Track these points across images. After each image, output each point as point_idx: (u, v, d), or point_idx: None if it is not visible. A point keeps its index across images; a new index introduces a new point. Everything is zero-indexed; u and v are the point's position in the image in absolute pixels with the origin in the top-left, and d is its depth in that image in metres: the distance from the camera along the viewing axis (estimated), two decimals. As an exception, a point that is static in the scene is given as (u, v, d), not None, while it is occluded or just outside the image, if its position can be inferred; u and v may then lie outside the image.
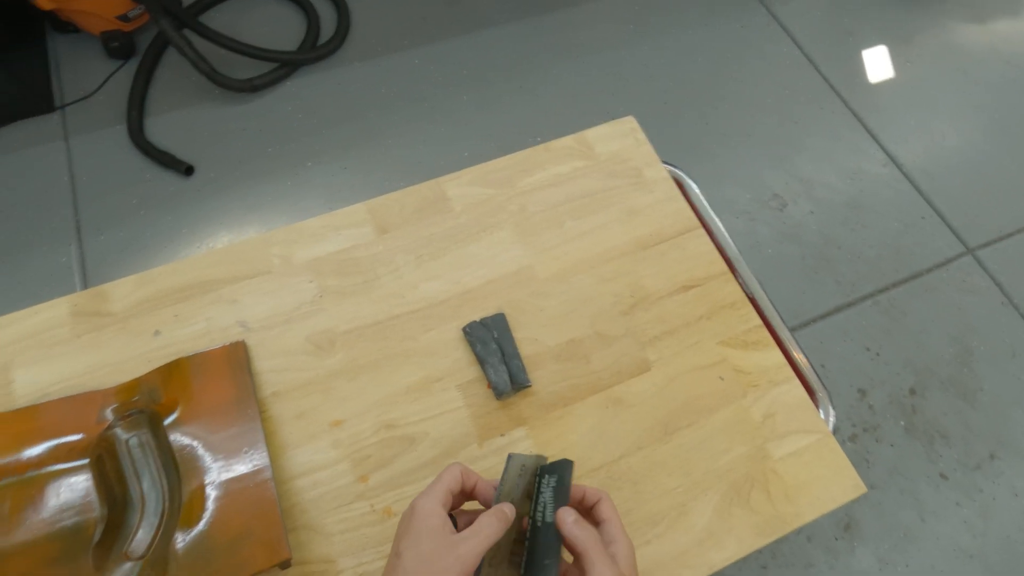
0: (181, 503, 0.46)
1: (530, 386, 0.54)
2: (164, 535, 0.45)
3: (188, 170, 1.57)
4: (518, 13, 1.91)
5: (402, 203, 0.62)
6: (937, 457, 1.38)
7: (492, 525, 0.37)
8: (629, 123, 0.68)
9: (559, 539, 0.39)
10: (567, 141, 0.67)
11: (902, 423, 1.42)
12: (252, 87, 1.68)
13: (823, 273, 1.56)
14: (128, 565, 0.44)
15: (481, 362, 0.54)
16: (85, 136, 1.62)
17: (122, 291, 0.56)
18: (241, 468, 0.47)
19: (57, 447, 0.47)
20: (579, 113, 1.74)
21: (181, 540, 0.44)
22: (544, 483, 0.41)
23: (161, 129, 1.63)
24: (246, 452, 0.48)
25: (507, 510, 0.39)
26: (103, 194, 1.54)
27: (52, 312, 0.55)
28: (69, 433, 0.48)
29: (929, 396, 1.44)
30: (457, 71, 1.80)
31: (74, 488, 0.45)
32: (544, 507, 0.40)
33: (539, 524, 0.40)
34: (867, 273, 1.56)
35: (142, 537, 0.45)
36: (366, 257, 0.59)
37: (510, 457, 0.42)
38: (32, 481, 0.45)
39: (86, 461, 0.47)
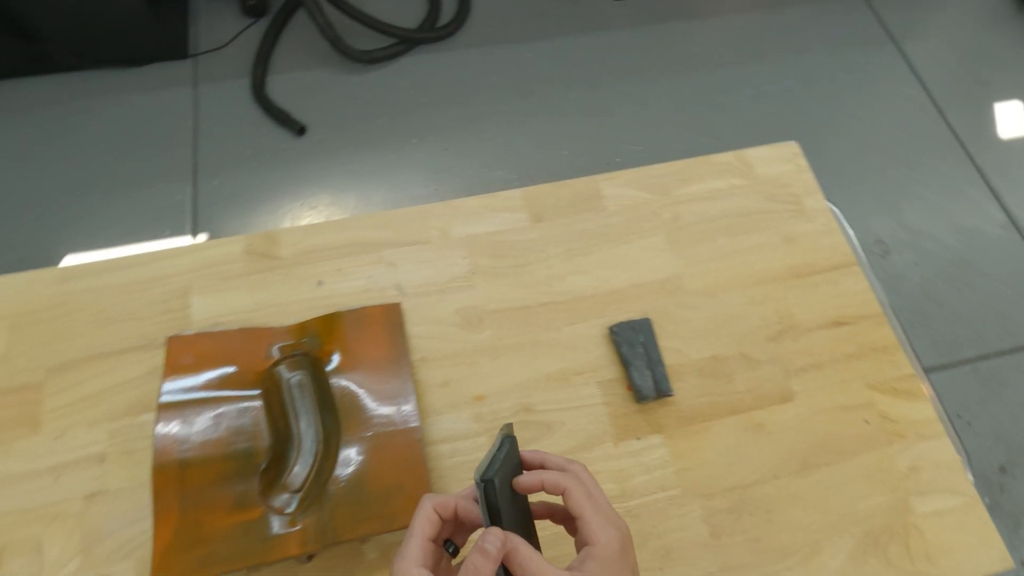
0: (338, 446, 0.48)
1: (672, 395, 0.54)
2: (319, 474, 0.47)
3: (301, 130, 1.63)
4: (637, 20, 1.89)
5: (557, 195, 0.63)
6: (1020, 543, 1.29)
7: (482, 566, 0.33)
8: (792, 148, 0.67)
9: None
10: (727, 157, 0.66)
11: (987, 500, 1.35)
12: (371, 59, 1.73)
13: (920, 329, 1.49)
14: (286, 496, 0.46)
15: (626, 363, 0.54)
16: (212, 85, 1.70)
17: (291, 239, 0.59)
18: (395, 423, 0.49)
19: (232, 374, 0.50)
20: (684, 129, 1.72)
21: (337, 482, 0.46)
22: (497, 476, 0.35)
23: (281, 88, 1.70)
24: (400, 409, 0.50)
25: (495, 541, 0.34)
26: (221, 142, 1.63)
27: (228, 248, 0.58)
28: (242, 363, 0.51)
29: (1020, 476, 1.36)
30: (568, 70, 1.80)
31: (246, 415, 0.48)
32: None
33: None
34: (968, 337, 1.48)
35: (298, 472, 0.48)
36: (519, 242, 0.60)
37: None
38: (212, 401, 0.48)
39: (258, 392, 0.49)
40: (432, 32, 1.78)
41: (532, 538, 0.38)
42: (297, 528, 0.44)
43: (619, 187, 0.64)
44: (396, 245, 0.60)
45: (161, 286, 0.56)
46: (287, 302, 0.56)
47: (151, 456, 0.49)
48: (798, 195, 0.64)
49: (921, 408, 0.55)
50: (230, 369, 0.50)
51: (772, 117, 1.75)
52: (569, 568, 0.34)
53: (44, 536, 0.47)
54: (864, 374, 0.56)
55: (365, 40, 1.72)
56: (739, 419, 0.54)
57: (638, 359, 0.54)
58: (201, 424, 0.47)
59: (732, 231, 0.62)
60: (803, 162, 0.66)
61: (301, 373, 0.52)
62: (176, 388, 0.49)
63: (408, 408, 0.50)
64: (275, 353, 0.52)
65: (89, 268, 0.57)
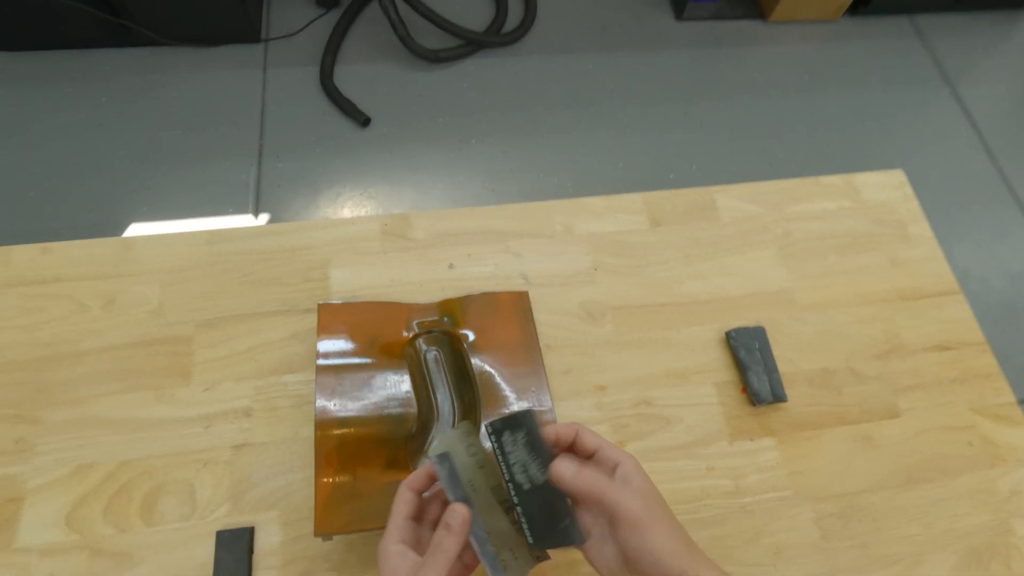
0: (478, 421, 0.50)
1: (786, 401, 0.56)
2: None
3: (365, 121, 1.67)
4: (697, 42, 1.93)
5: (674, 202, 0.66)
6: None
7: (445, 540, 0.35)
8: (898, 176, 0.69)
9: (562, 496, 0.36)
10: (835, 180, 0.69)
11: None
12: (437, 58, 1.77)
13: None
14: None
15: (743, 367, 0.56)
16: (281, 70, 1.75)
17: (424, 223, 0.62)
18: (528, 405, 0.52)
19: (380, 343, 0.53)
20: (739, 151, 1.74)
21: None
22: (509, 442, 0.37)
23: (348, 79, 1.74)
24: (532, 392, 0.53)
25: (456, 516, 0.35)
26: (287, 126, 1.67)
27: (366, 226, 0.61)
28: (385, 334, 0.54)
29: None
30: (626, 85, 1.84)
31: (396, 383, 0.51)
32: (525, 468, 0.36)
33: (527, 487, 0.36)
34: (1012, 380, 1.49)
35: (442, 425, 0.50)
36: (639, 244, 0.63)
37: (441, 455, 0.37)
38: (365, 367, 0.51)
39: (403, 362, 0.52)
40: (498, 37, 1.82)
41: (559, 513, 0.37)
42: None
43: (732, 200, 0.66)
44: (522, 236, 0.62)
45: (303, 256, 0.59)
46: (419, 281, 0.59)
47: (294, 415, 0.52)
48: (903, 221, 0.67)
49: (1022, 435, 0.57)
50: (377, 338, 0.53)
51: (825, 148, 1.77)
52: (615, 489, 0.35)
53: (196, 480, 0.50)
54: (967, 398, 0.58)
55: (432, 39, 1.76)
56: (848, 430, 0.56)
57: (755, 364, 0.56)
58: (357, 387, 0.50)
59: (841, 251, 0.65)
60: (909, 190, 0.69)
61: (437, 348, 0.54)
62: (332, 351, 0.51)
63: (540, 392, 0.53)
64: (414, 327, 0.55)
65: (236, 233, 0.60)
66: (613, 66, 1.87)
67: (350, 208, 1.57)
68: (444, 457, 0.37)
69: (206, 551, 0.47)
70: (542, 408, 0.52)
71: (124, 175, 1.56)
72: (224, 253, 0.59)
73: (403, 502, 0.38)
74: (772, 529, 0.52)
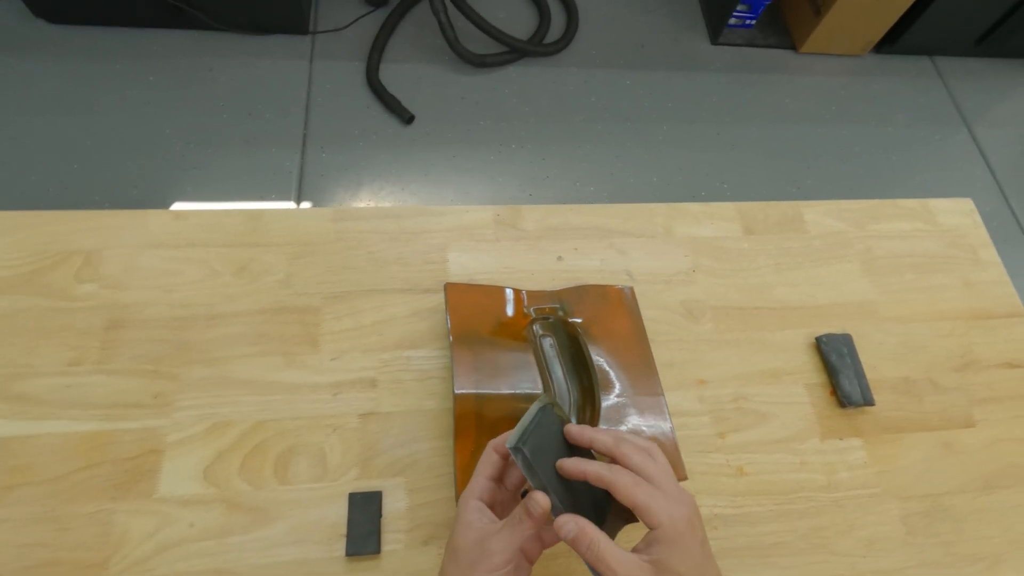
0: (597, 406, 0.53)
1: (874, 405, 0.60)
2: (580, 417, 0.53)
3: (409, 119, 1.70)
4: (732, 66, 1.99)
5: (766, 213, 0.69)
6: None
7: (524, 522, 0.36)
8: (967, 205, 0.74)
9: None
10: (912, 203, 0.73)
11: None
12: (483, 63, 1.81)
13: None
14: None
15: (834, 370, 0.60)
16: (328, 63, 1.78)
17: (534, 215, 0.65)
18: (642, 393, 0.55)
19: (503, 324, 0.56)
20: (769, 173, 1.80)
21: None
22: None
23: (393, 76, 1.77)
24: (645, 382, 0.56)
25: (536, 507, 0.36)
26: (332, 118, 1.69)
27: (480, 215, 0.64)
28: (506, 316, 0.56)
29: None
30: (662, 103, 1.89)
31: (524, 363, 0.54)
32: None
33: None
34: None
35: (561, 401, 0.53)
36: (734, 249, 0.67)
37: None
38: (494, 344, 0.54)
39: (528, 344, 0.55)
40: (541, 47, 1.87)
41: (600, 506, 0.39)
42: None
43: (819, 215, 0.70)
44: (626, 235, 0.66)
45: (424, 239, 0.62)
46: (531, 270, 0.62)
47: (417, 388, 0.55)
48: (974, 246, 0.71)
49: (1086, 451, 0.61)
50: (500, 319, 0.56)
51: (851, 175, 1.84)
52: (635, 550, 0.35)
53: (326, 444, 0.52)
54: (1037, 413, 0.62)
55: (477, 44, 1.80)
56: (929, 436, 0.60)
57: (846, 368, 0.60)
58: (490, 362, 0.52)
59: (918, 269, 0.69)
60: (978, 218, 0.73)
61: (552, 334, 0.57)
62: (463, 329, 0.54)
63: (652, 382, 0.56)
64: (532, 312, 0.58)
65: (361, 212, 0.62)
66: (649, 84, 1.92)
67: (392, 202, 1.60)
68: (518, 449, 0.37)
69: (338, 511, 0.49)
70: (659, 398, 0.55)
71: (169, 154, 1.57)
72: (349, 231, 0.61)
73: (488, 463, 0.40)
74: (862, 523, 0.55)
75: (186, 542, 0.47)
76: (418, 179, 1.65)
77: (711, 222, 0.68)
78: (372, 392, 0.54)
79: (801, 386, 0.60)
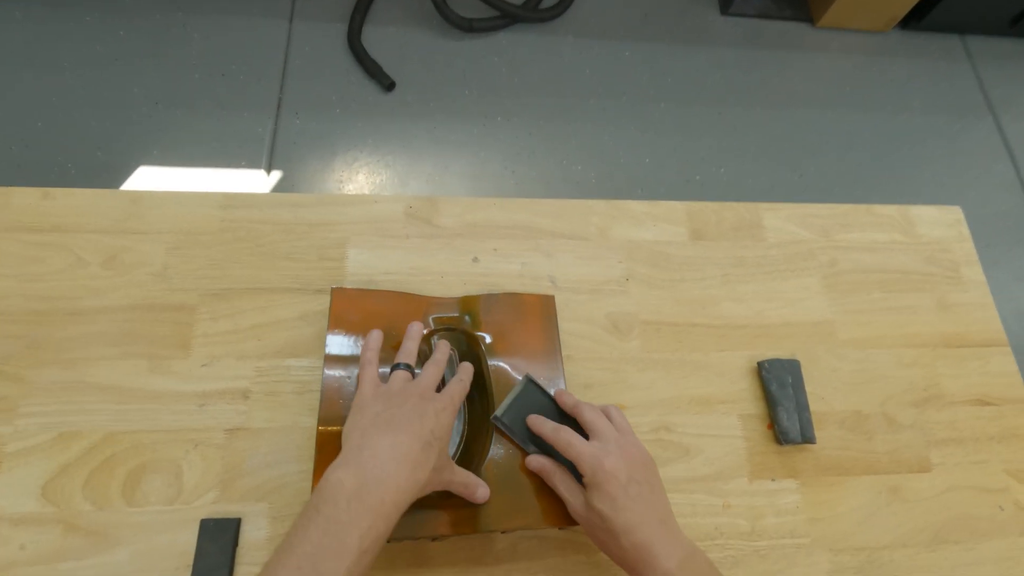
0: (490, 430, 0.47)
1: (814, 443, 0.53)
2: (466, 454, 0.47)
3: (390, 86, 1.61)
4: (741, 40, 1.86)
5: (720, 215, 0.62)
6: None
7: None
8: (955, 214, 0.65)
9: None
10: (890, 210, 0.64)
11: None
12: (471, 27, 1.70)
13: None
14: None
15: (773, 402, 0.53)
16: (308, 24, 1.68)
17: (453, 208, 0.58)
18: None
19: (394, 337, 0.49)
20: (769, 160, 1.69)
21: (492, 467, 0.46)
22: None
23: (375, 40, 1.67)
24: (550, 406, 0.49)
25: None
26: (308, 82, 1.61)
27: (389, 206, 0.57)
28: (401, 327, 0.50)
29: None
30: (662, 79, 1.78)
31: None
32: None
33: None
34: None
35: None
36: (677, 256, 0.59)
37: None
38: (382, 359, 0.48)
39: (420, 360, 0.49)
40: (535, 12, 1.75)
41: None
42: (446, 510, 0.43)
43: (780, 220, 0.62)
44: (554, 236, 0.59)
45: (321, 232, 0.55)
46: (442, 272, 0.55)
47: (295, 402, 0.49)
48: (956, 262, 0.63)
49: (1056, 504, 0.54)
50: (392, 331, 0.49)
51: (858, 166, 1.72)
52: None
53: (185, 461, 0.47)
54: (1004, 458, 0.55)
55: (466, 7, 1.69)
56: (875, 480, 0.53)
57: (787, 400, 0.53)
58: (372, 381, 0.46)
59: (887, 287, 0.61)
60: (965, 230, 0.65)
61: (452, 349, 0.51)
62: (342, 343, 0.48)
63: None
64: (430, 323, 0.51)
65: (252, 199, 0.56)
66: (650, 58, 1.80)
67: (365, 175, 1.53)
68: (496, 418, 0.47)
69: (188, 538, 0.44)
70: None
71: (137, 114, 1.51)
72: (238, 219, 0.55)
73: (374, 343, 0.47)
74: (786, 576, 0.49)
75: (14, 566, 0.43)
76: (395, 150, 1.58)
77: (654, 224, 0.60)
78: (243, 404, 0.49)
79: (735, 416, 0.54)
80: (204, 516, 0.45)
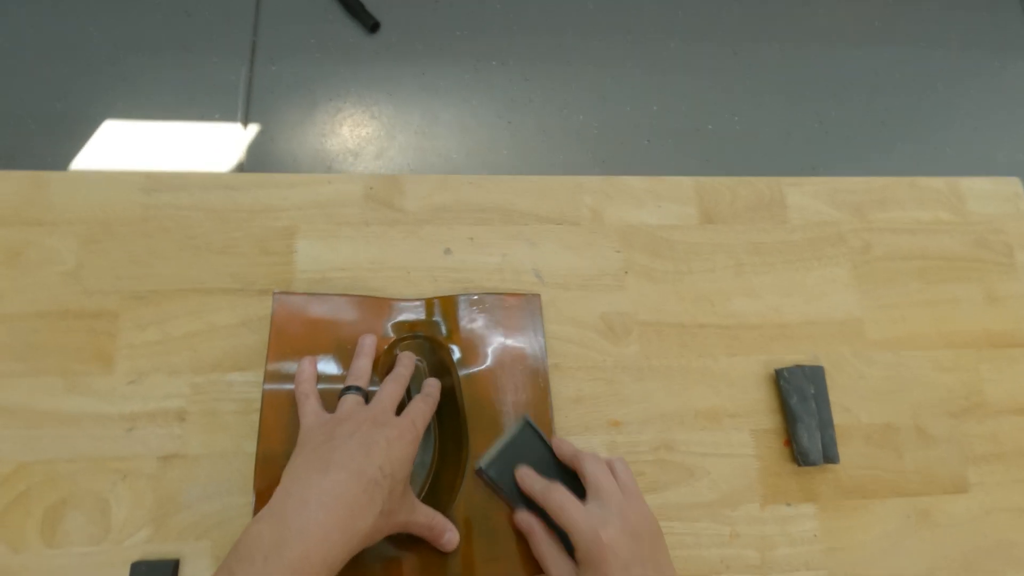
0: (464, 459, 0.41)
1: (837, 463, 0.46)
2: (434, 489, 0.40)
3: (374, 27, 1.47)
4: (760, -31, 1.67)
5: (735, 192, 0.53)
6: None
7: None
8: (1012, 186, 0.56)
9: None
10: (937, 183, 0.55)
11: None
12: (462, -42, 1.53)
13: None
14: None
15: (793, 417, 0.46)
16: (282, -46, 1.52)
17: (421, 189, 0.49)
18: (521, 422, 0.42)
19: (349, 352, 0.42)
20: (788, 106, 1.56)
21: (463, 506, 0.39)
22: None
23: (357, -27, 1.51)
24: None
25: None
26: (285, 25, 1.47)
27: (345, 187, 0.49)
28: (355, 339, 0.42)
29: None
30: (673, 13, 1.62)
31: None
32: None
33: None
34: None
35: (412, 478, 0.41)
36: (683, 243, 0.51)
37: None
38: (330, 379, 0.41)
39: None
40: (533, -61, 1.57)
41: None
42: (411, 556, 0.37)
43: (806, 197, 0.53)
44: (540, 221, 0.50)
45: (264, 220, 0.47)
46: (407, 267, 0.47)
47: (238, 423, 0.42)
48: (1010, 245, 0.54)
49: (1106, 527, 0.48)
50: (347, 344, 0.42)
51: (885, 110, 1.58)
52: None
53: (111, 495, 0.41)
54: (1051, 476, 0.49)
55: (458, -65, 1.52)
56: (903, 503, 0.47)
57: (810, 416, 0.46)
58: (327, 405, 0.39)
59: (928, 276, 0.52)
60: (1023, 205, 0.56)
61: (420, 361, 0.44)
62: (284, 371, 0.41)
63: (542, 424, 0.43)
64: (390, 332, 0.44)
65: (179, 180, 0.47)
66: (660, -12, 1.63)
67: (349, 127, 1.41)
68: (481, 471, 0.41)
69: (120, 583, 0.39)
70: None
71: (98, 61, 1.38)
72: (164, 206, 0.47)
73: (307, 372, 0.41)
74: (798, 614, 0.43)
75: (-84, 620, 0.37)
76: (381, 100, 1.45)
77: (657, 204, 0.51)
78: (178, 427, 0.42)
79: (747, 432, 0.47)
80: (136, 558, 0.40)
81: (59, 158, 1.30)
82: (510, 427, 0.42)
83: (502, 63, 1.52)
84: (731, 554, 0.44)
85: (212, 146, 1.35)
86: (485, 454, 0.41)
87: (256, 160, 1.34)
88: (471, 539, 0.38)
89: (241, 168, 1.33)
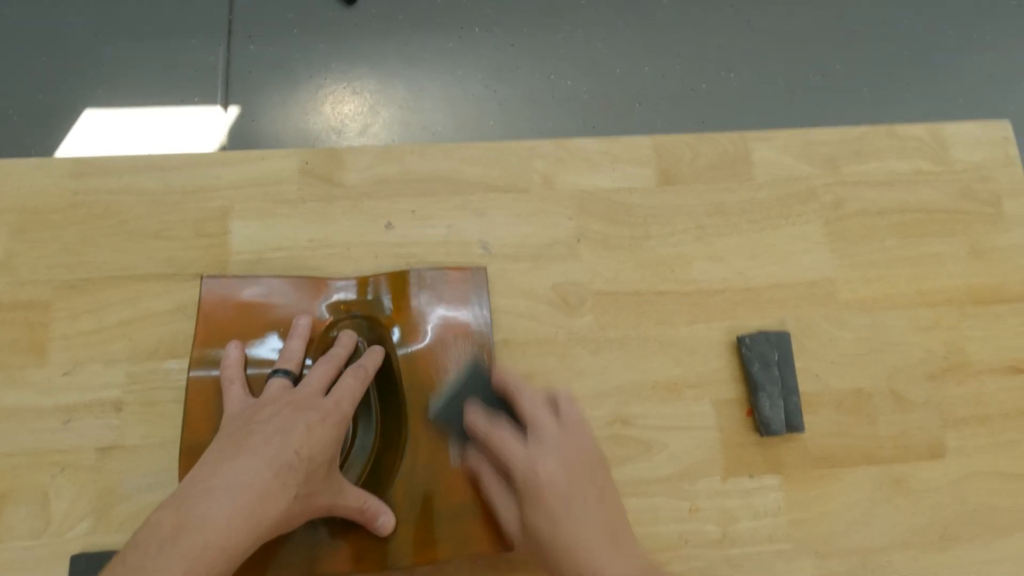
0: (403, 442, 0.39)
1: (802, 432, 0.44)
2: (375, 474, 0.39)
3: (351, -2, 1.42)
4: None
5: (695, 150, 0.49)
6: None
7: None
8: (1001, 130, 0.52)
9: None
10: (917, 131, 0.51)
11: None
12: (440, -81, 1.47)
13: None
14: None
15: (755, 386, 0.44)
16: (254, -74, 1.47)
17: (360, 162, 0.47)
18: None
19: (279, 334, 0.40)
20: (790, 59, 1.49)
21: (402, 489, 0.38)
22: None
23: (333, -58, 1.46)
24: (476, 406, 0.41)
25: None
26: (261, 1, 1.43)
27: (281, 163, 0.46)
28: (289, 321, 0.41)
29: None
30: (666, -34, 1.54)
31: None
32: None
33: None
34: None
35: (352, 461, 0.39)
36: (641, 207, 0.48)
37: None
38: (260, 364, 0.39)
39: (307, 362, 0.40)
40: None
41: None
42: (347, 542, 0.36)
43: (774, 152, 0.50)
44: (487, 189, 0.47)
45: (197, 201, 0.45)
46: (347, 243, 0.45)
47: (176, 412, 0.41)
48: (998, 194, 0.50)
49: (1096, 489, 0.45)
50: (280, 327, 0.40)
51: (893, 61, 1.50)
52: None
53: (51, 488, 0.40)
54: (1037, 438, 0.46)
55: None
56: (875, 470, 0.44)
57: (771, 383, 0.44)
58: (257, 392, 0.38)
59: (906, 231, 0.49)
60: (1014, 150, 0.51)
61: (360, 342, 0.42)
62: (213, 358, 0.39)
63: (487, 404, 0.41)
64: (326, 313, 0.42)
65: (109, 164, 0.45)
66: (652, -59, 1.55)
67: (331, 104, 1.38)
68: (429, 420, 0.39)
69: None
70: None
71: (78, 49, 1.36)
72: (94, 191, 0.45)
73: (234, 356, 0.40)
74: (761, 588, 0.42)
75: None
76: (364, 74, 1.42)
77: (613, 166, 0.49)
78: (115, 418, 0.41)
79: (707, 403, 0.45)
80: (77, 550, 0.39)
81: (43, 149, 1.29)
82: (458, 371, 0.40)
83: (486, 29, 1.47)
84: (691, 529, 0.42)
85: (193, 130, 1.33)
86: (434, 401, 0.39)
87: (238, 142, 1.33)
88: (410, 522, 0.37)
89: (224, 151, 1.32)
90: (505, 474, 0.36)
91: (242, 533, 0.29)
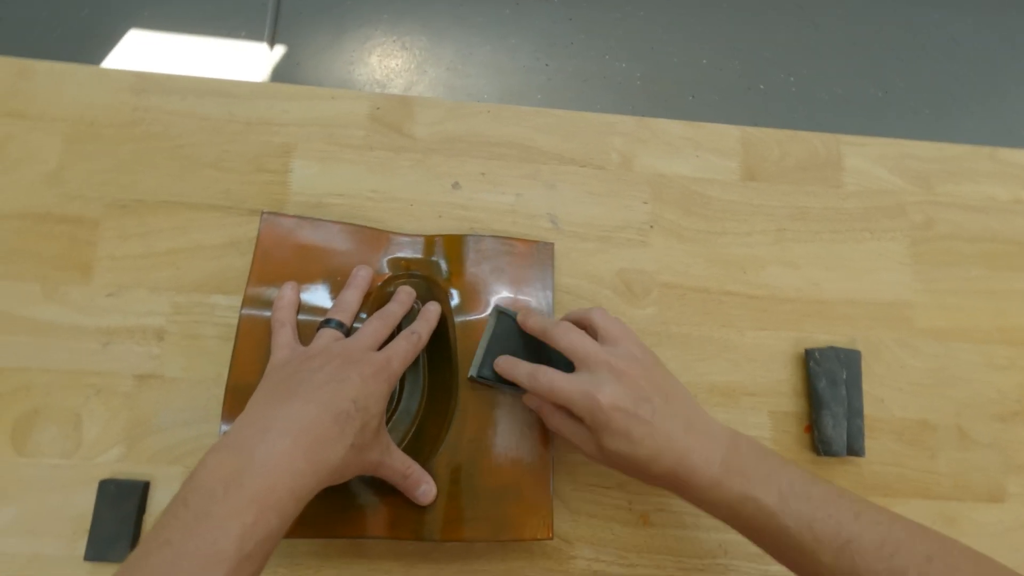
0: (450, 412, 0.38)
1: (862, 456, 0.42)
2: (417, 439, 0.38)
3: (412, -51, 1.37)
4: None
5: (784, 149, 0.47)
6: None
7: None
8: (1109, 168, 0.49)
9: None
10: (1018, 156, 0.48)
11: None
12: None
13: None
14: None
15: (818, 403, 0.42)
16: None
17: (432, 115, 0.45)
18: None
19: (340, 285, 0.39)
20: (850, 68, 1.43)
21: (445, 460, 0.36)
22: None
23: None
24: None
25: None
26: (319, -63, 1.38)
27: (351, 105, 0.44)
28: (347, 271, 0.39)
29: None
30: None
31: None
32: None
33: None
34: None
35: (395, 425, 0.38)
36: (719, 200, 0.45)
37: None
38: (315, 311, 0.38)
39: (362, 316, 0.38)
40: None
41: None
42: (385, 506, 0.35)
43: (868, 160, 0.47)
44: (561, 161, 0.45)
45: (259, 134, 0.43)
46: (411, 199, 0.43)
47: (219, 349, 0.40)
48: (1095, 236, 0.47)
49: None
50: (338, 276, 0.39)
51: (961, 79, 1.44)
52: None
53: (84, 410, 0.39)
54: (1101, 495, 0.44)
55: None
56: (929, 505, 0.43)
57: (837, 403, 0.42)
58: (305, 340, 0.37)
59: (994, 262, 0.46)
60: (1118, 192, 0.48)
61: (416, 302, 0.40)
62: (266, 297, 0.37)
63: (541, 385, 0.39)
64: (385, 267, 0.40)
65: (172, 83, 0.43)
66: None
67: (378, 56, 1.35)
68: (472, 379, 0.38)
69: (87, 499, 0.37)
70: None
71: (126, -32, 1.33)
72: (155, 109, 0.43)
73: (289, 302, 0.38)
74: (796, 608, 0.40)
75: None
76: (413, 30, 1.38)
77: (696, 154, 0.46)
78: (156, 347, 0.40)
79: (765, 414, 0.43)
80: (105, 476, 0.38)
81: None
82: (486, 325, 0.38)
83: (545, 0, 1.42)
84: (731, 539, 0.41)
85: (236, 64, 1.30)
86: (473, 361, 0.38)
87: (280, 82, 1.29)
88: (450, 496, 0.36)
89: (265, 91, 1.29)
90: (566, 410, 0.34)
91: (307, 475, 0.28)
